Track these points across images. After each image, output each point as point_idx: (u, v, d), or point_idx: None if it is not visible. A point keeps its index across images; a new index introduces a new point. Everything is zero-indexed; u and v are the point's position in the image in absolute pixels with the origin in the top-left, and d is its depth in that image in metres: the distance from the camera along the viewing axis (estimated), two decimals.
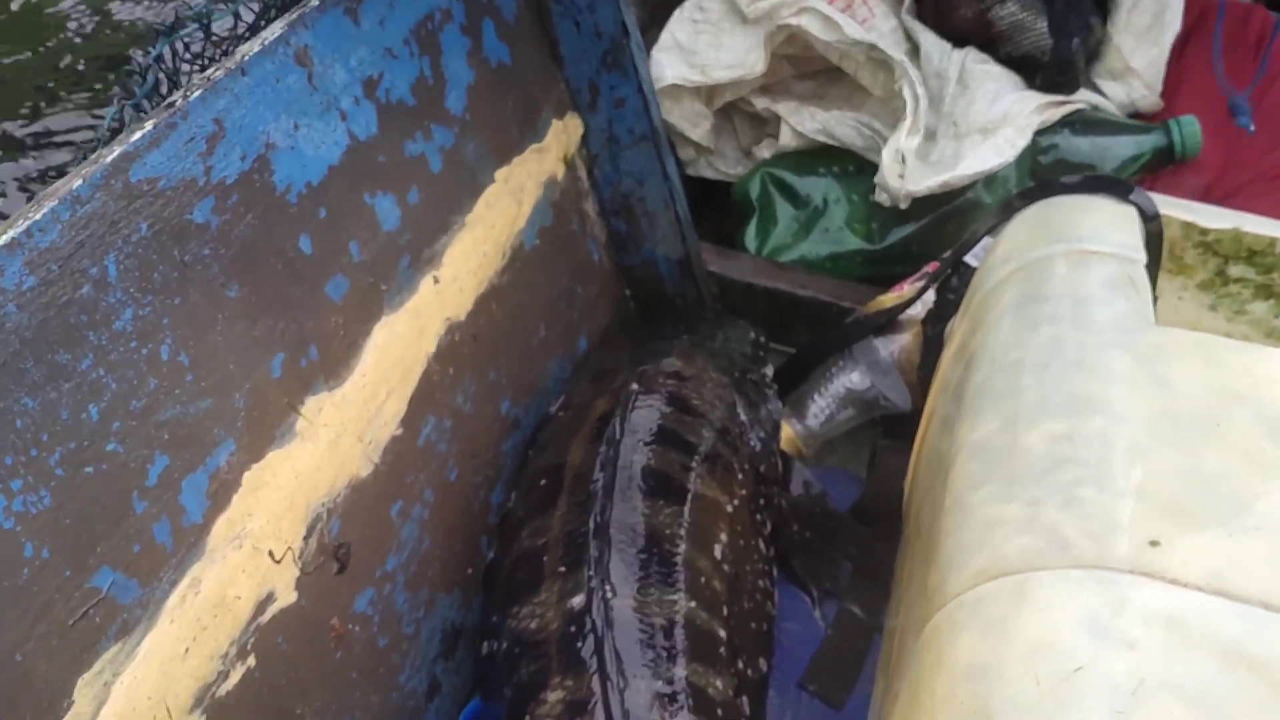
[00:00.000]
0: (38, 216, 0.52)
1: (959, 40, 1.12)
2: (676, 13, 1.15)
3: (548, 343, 0.96)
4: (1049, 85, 1.08)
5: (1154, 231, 0.82)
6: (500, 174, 0.90)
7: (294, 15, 0.69)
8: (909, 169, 1.02)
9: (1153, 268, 0.80)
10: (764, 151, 1.19)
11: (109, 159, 0.56)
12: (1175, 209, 0.84)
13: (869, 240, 1.11)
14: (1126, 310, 0.70)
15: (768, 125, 1.21)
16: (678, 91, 1.17)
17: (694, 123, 1.19)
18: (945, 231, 1.08)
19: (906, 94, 1.05)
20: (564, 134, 0.99)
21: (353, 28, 0.74)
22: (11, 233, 0.52)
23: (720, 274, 1.10)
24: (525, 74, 0.94)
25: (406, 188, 0.78)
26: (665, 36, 1.14)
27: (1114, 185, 0.82)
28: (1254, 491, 0.56)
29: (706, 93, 1.20)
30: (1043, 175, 1.07)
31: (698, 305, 1.08)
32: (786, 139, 1.16)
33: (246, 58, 0.65)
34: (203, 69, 0.67)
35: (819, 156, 1.15)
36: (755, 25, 1.13)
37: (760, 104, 1.18)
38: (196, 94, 0.62)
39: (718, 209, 1.22)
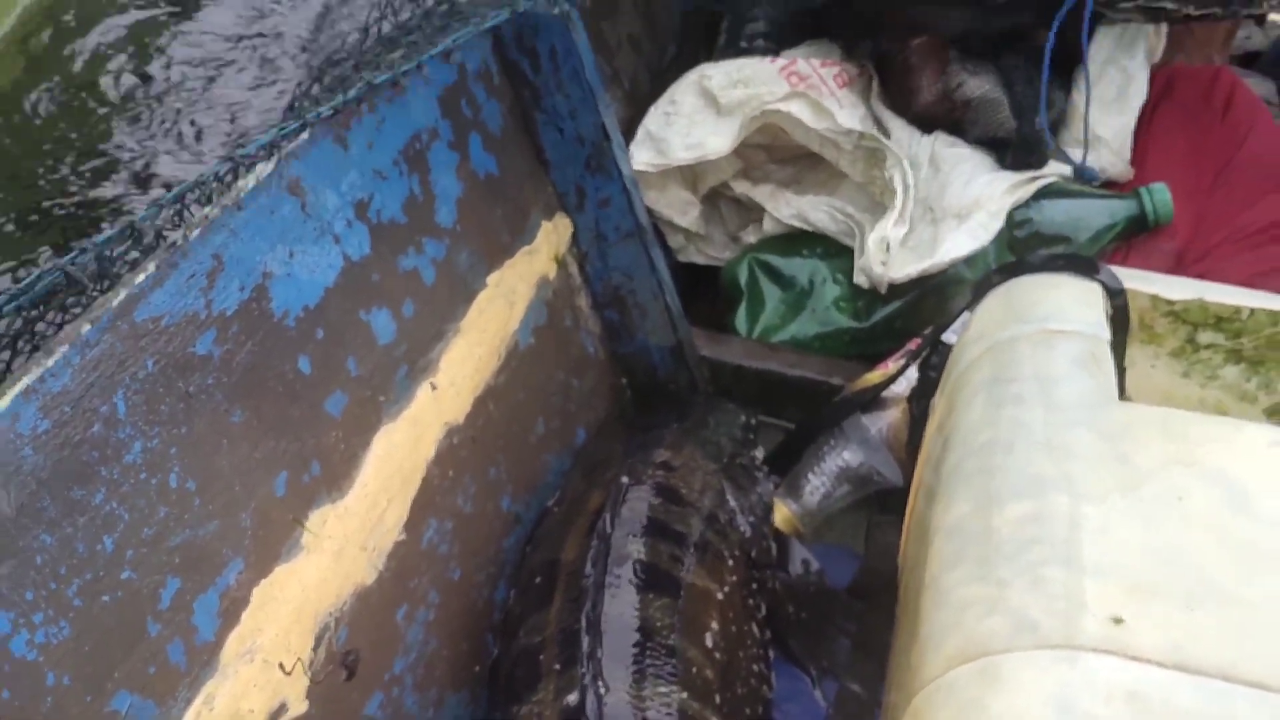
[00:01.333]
0: (50, 364, 0.56)
1: (925, 125, 1.16)
2: (651, 108, 1.20)
3: (546, 437, 0.99)
4: (1018, 164, 1.12)
5: (1119, 306, 0.85)
6: (492, 279, 0.93)
7: (286, 149, 0.73)
8: (892, 257, 1.06)
9: (1119, 342, 0.83)
10: (750, 236, 1.23)
11: (115, 302, 0.60)
12: (1140, 282, 0.87)
13: (855, 318, 1.15)
14: (1091, 388, 0.73)
15: (752, 210, 1.25)
16: (663, 180, 1.21)
17: (682, 210, 1.23)
18: (927, 307, 1.11)
19: (897, 183, 1.09)
20: (554, 234, 1.03)
21: (342, 154, 0.78)
22: (26, 380, 0.55)
23: (712, 358, 1.13)
24: (513, 181, 0.98)
25: (401, 301, 0.82)
26: (639, 130, 1.19)
27: (1079, 264, 0.85)
28: (1214, 563, 0.59)
29: (692, 180, 1.24)
30: (1020, 249, 1.10)
31: (690, 390, 1.11)
32: (769, 224, 1.20)
33: (243, 194, 0.69)
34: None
35: (802, 239, 1.19)
36: (730, 115, 1.18)
37: (740, 189, 1.22)
38: (196, 233, 0.66)
39: (710, 292, 1.25)
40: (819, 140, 1.17)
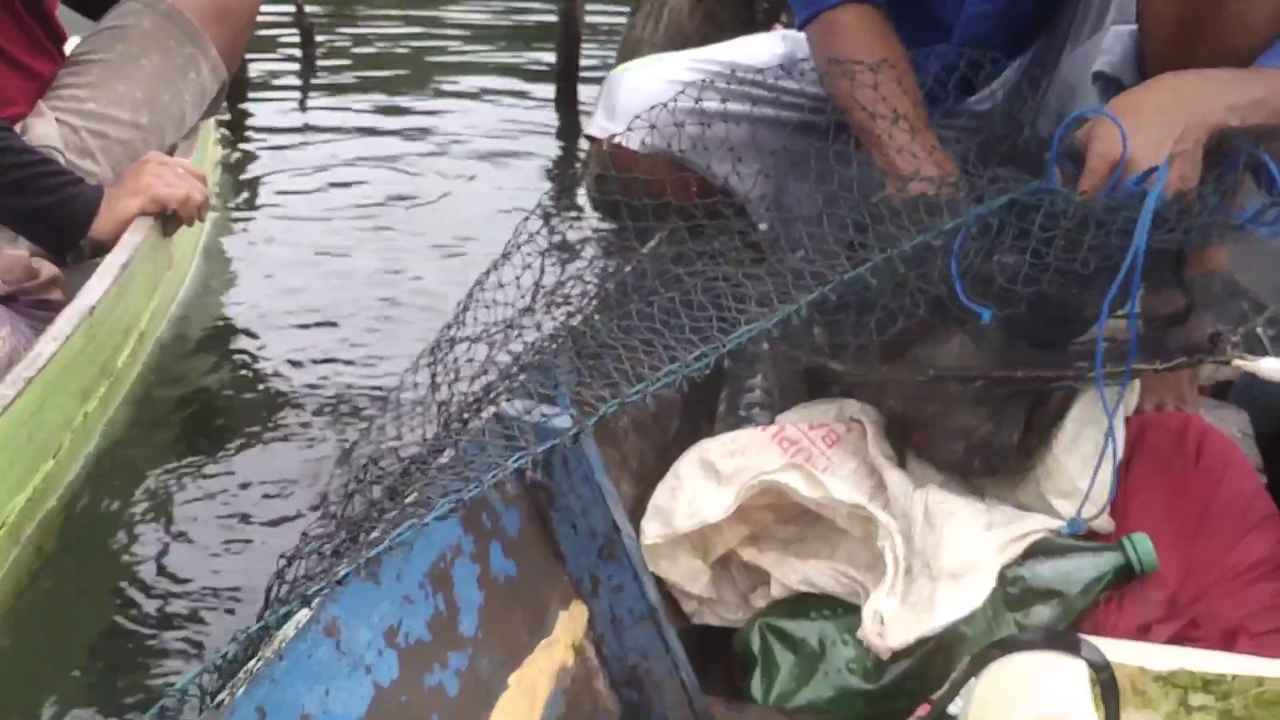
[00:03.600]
0: None
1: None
2: (660, 484, 1.29)
3: None
4: (986, 469, 1.20)
5: (1106, 680, 0.90)
6: (514, 678, 0.99)
7: (324, 593, 0.81)
8: (887, 626, 1.11)
9: (1110, 716, 0.87)
10: (760, 600, 1.29)
11: None
12: (1124, 653, 0.92)
13: (866, 679, 1.19)
14: None
15: (760, 573, 1.31)
16: (674, 551, 1.29)
17: (693, 579, 1.30)
18: (936, 665, 1.16)
19: (888, 556, 1.16)
20: (571, 622, 1.10)
21: (374, 590, 0.86)
22: None
23: None
24: (532, 579, 1.06)
25: (426, 718, 0.88)
26: (649, 506, 1.27)
27: (1063, 642, 0.91)
28: None
29: (702, 549, 1.31)
30: (1015, 605, 1.16)
31: None
32: (776, 588, 1.26)
33: (284, 643, 0.77)
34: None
35: (810, 601, 1.25)
36: (729, 484, 1.27)
37: (747, 556, 1.29)
38: (242, 690, 0.73)
39: (725, 655, 1.30)
40: (816, 503, 1.25)
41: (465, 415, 1.01)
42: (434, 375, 1.03)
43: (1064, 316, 1.27)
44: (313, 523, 0.89)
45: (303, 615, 0.79)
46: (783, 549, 1.29)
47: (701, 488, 1.29)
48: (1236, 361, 1.27)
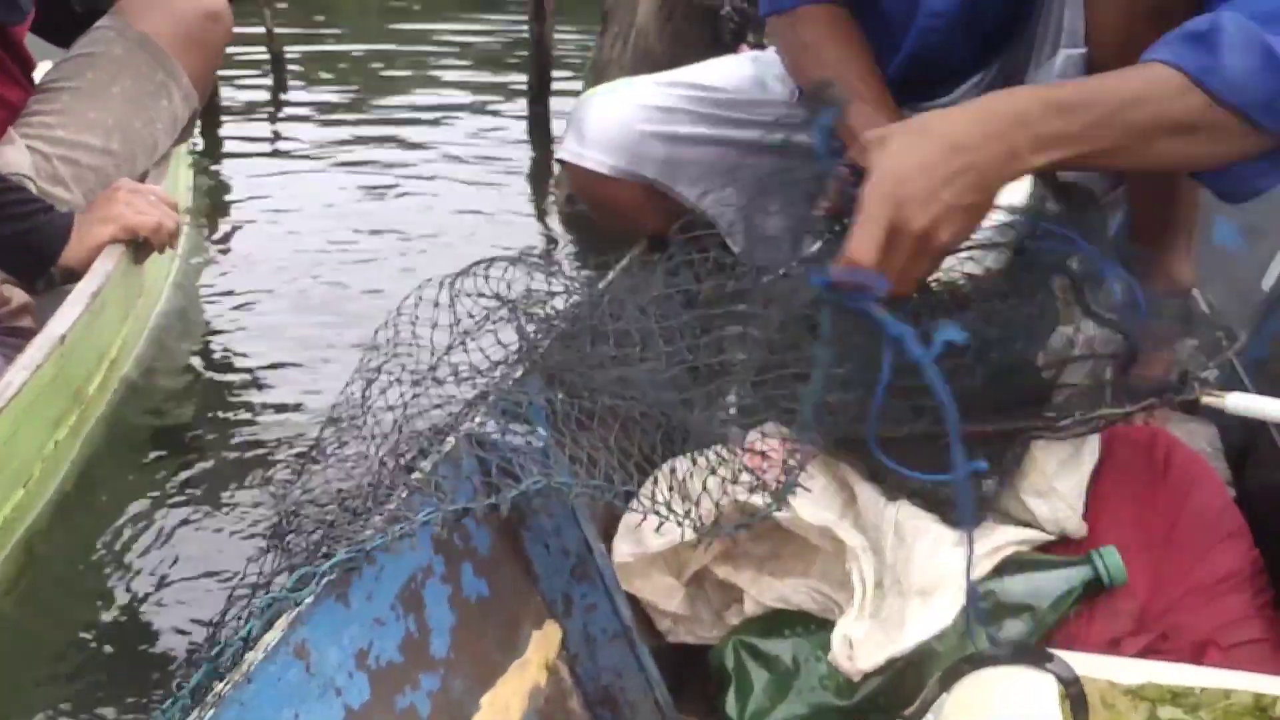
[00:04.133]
0: None
1: None
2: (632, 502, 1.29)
3: None
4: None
5: (1075, 694, 0.90)
6: (486, 699, 0.99)
7: (292, 615, 0.81)
8: (856, 650, 1.12)
9: None
10: (734, 617, 1.29)
11: None
12: (1094, 668, 0.93)
13: (839, 696, 1.19)
14: None
15: (734, 589, 1.31)
16: (647, 569, 1.29)
17: (667, 596, 1.30)
18: (908, 681, 1.16)
19: (855, 580, 1.16)
20: (544, 642, 1.10)
21: (344, 611, 0.86)
22: None
23: None
24: (503, 599, 1.06)
25: None
26: (621, 525, 1.27)
27: (1032, 656, 0.91)
28: None
29: (676, 566, 1.31)
30: (984, 618, 1.16)
31: None
32: (751, 606, 1.27)
33: (252, 666, 0.76)
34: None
35: (784, 618, 1.25)
36: (699, 503, 1.26)
37: (722, 573, 1.29)
38: (210, 713, 0.72)
39: (701, 673, 1.30)
40: (785, 522, 1.25)
41: (437, 436, 1.01)
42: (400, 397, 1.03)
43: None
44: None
45: (271, 637, 0.79)
46: (757, 566, 1.29)
47: (675, 508, 1.28)
48: (1205, 400, 1.28)
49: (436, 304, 1.04)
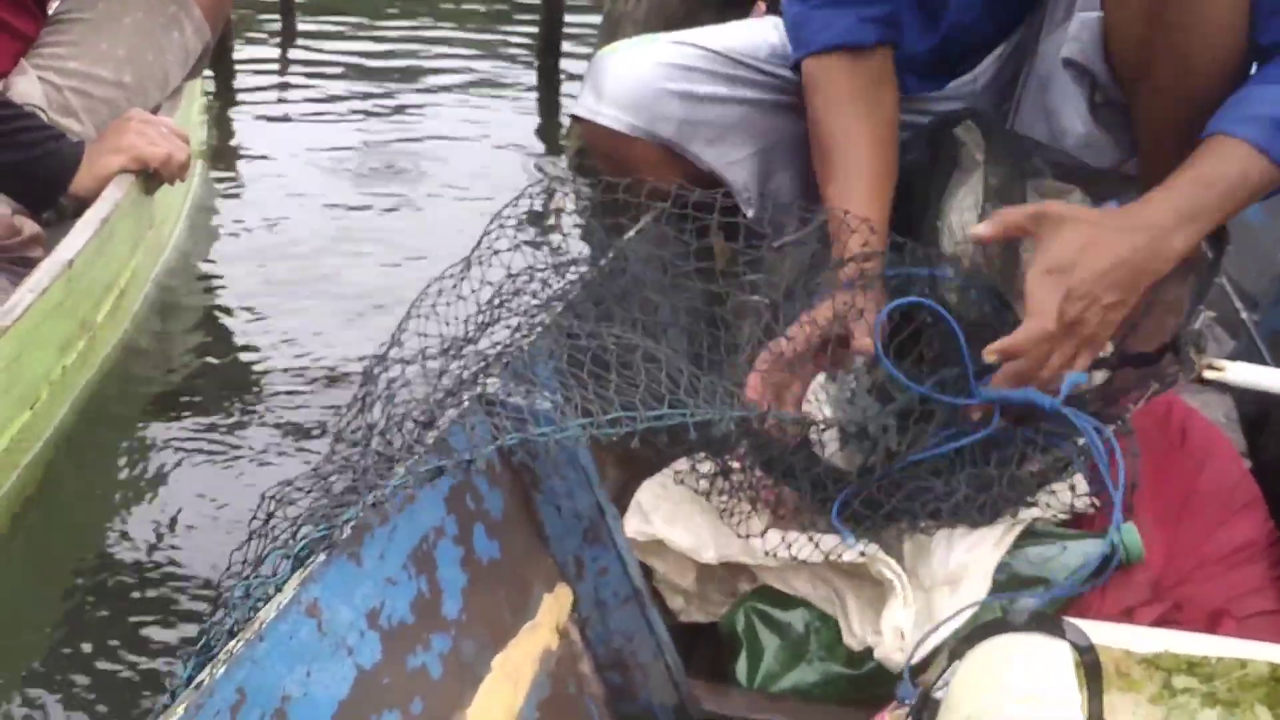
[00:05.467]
0: None
1: None
2: (646, 482, 1.28)
3: None
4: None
5: (1090, 662, 0.90)
6: (497, 661, 0.99)
7: (305, 573, 0.81)
8: (908, 643, 1.10)
9: (1094, 697, 0.87)
10: (746, 586, 1.29)
11: None
12: (1108, 635, 0.92)
13: (850, 665, 1.19)
14: None
15: (745, 568, 1.31)
16: (660, 545, 1.28)
17: (680, 573, 1.29)
18: None
19: (887, 574, 1.15)
20: (555, 605, 1.09)
21: (356, 569, 0.85)
22: None
23: (714, 711, 1.17)
24: (515, 561, 1.05)
25: (409, 700, 0.87)
26: (632, 502, 1.27)
27: (1047, 624, 0.91)
28: None
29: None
30: (1000, 590, 1.16)
31: None
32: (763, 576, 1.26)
33: (264, 624, 0.76)
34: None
35: None
36: (711, 511, 1.26)
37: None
38: (221, 670, 0.72)
39: (712, 641, 1.30)
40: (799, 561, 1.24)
41: (452, 394, 1.01)
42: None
43: None
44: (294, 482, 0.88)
45: (283, 596, 0.78)
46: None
47: (685, 509, 1.27)
48: (1207, 373, 1.27)
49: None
